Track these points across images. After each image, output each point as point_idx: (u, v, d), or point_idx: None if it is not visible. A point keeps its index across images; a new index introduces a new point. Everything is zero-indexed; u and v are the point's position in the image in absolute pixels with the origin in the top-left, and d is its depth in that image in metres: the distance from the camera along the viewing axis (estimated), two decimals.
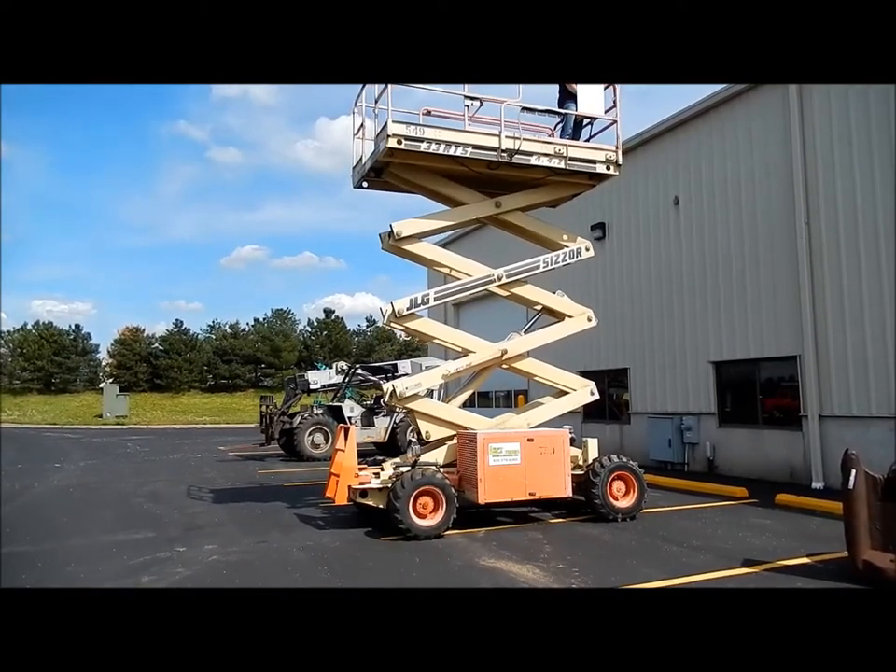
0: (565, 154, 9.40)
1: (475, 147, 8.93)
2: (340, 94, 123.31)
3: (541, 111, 9.68)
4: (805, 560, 6.83)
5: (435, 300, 9.35)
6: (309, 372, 20.99)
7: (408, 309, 9.13)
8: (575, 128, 9.88)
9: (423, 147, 8.68)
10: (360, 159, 9.82)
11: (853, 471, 5.93)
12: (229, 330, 61.57)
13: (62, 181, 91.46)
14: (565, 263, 10.03)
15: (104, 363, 59.26)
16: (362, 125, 9.61)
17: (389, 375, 18.58)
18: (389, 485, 8.37)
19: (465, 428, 9.37)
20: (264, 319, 63.94)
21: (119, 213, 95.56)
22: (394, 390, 8.94)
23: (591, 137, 10.12)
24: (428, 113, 9.24)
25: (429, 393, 10.99)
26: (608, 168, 9.71)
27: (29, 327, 57.09)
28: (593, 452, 9.62)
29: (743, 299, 13.40)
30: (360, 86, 9.28)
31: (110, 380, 52.54)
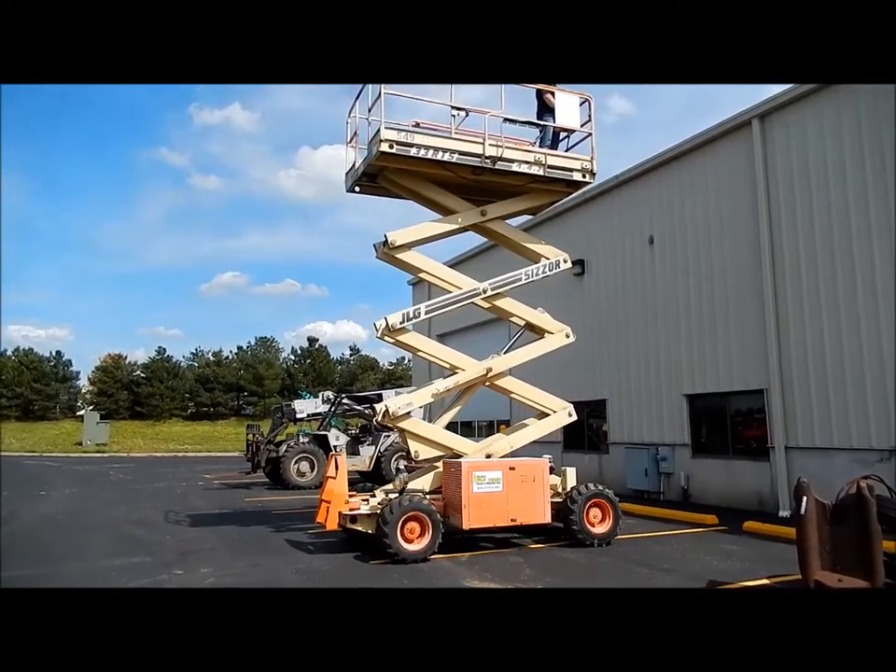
0: (544, 162, 10.08)
1: (461, 153, 9.61)
2: (322, 124, 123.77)
3: (522, 122, 10.38)
4: (765, 581, 7.36)
5: (426, 313, 9.89)
6: (296, 401, 21.29)
7: (401, 323, 9.67)
8: (553, 140, 10.58)
9: (412, 151, 9.35)
10: (353, 164, 10.50)
11: (804, 498, 6.47)
12: (212, 358, 61.53)
13: (41, 206, 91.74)
14: (545, 275, 10.65)
15: (83, 390, 58.86)
16: (356, 133, 10.31)
17: (374, 405, 18.93)
18: (378, 511, 8.80)
19: (452, 450, 9.85)
20: (248, 347, 64.10)
21: (98, 238, 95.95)
22: (387, 409, 9.42)
23: (568, 149, 10.81)
24: (418, 125, 9.89)
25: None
26: (583, 176, 10.39)
27: (9, 353, 56.76)
28: (571, 480, 10.14)
29: (714, 334, 14.11)
30: (354, 98, 10.01)
31: (90, 407, 52.09)
